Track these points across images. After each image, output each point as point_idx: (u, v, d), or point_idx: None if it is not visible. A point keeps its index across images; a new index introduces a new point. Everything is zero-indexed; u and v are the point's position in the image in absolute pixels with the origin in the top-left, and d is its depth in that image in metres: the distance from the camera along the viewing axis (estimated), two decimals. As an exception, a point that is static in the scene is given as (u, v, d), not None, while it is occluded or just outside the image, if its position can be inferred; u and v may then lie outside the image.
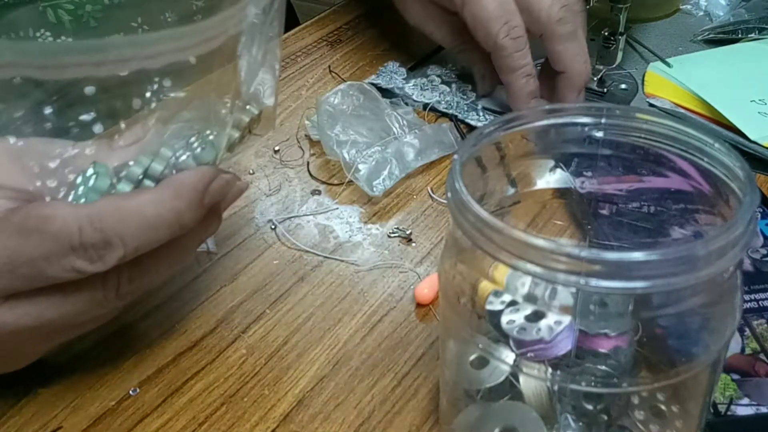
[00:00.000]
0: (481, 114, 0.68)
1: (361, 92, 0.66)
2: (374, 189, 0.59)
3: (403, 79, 0.72)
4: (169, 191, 0.39)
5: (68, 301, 0.39)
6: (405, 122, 0.63)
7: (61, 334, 0.42)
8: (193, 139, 0.42)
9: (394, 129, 0.62)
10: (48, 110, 0.47)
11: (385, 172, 0.60)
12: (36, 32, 0.68)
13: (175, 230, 0.39)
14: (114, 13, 0.72)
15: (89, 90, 0.63)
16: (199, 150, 0.42)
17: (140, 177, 0.41)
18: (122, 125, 0.43)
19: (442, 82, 0.72)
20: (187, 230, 0.40)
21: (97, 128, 0.63)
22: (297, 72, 0.76)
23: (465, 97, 0.70)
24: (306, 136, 0.66)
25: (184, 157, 0.41)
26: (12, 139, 0.41)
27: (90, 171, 0.41)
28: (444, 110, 0.68)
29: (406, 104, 0.69)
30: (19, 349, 0.42)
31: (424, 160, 0.62)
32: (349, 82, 0.66)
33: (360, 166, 0.59)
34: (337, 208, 0.59)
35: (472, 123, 0.67)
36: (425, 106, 0.69)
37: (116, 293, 0.40)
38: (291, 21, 1.04)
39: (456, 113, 0.68)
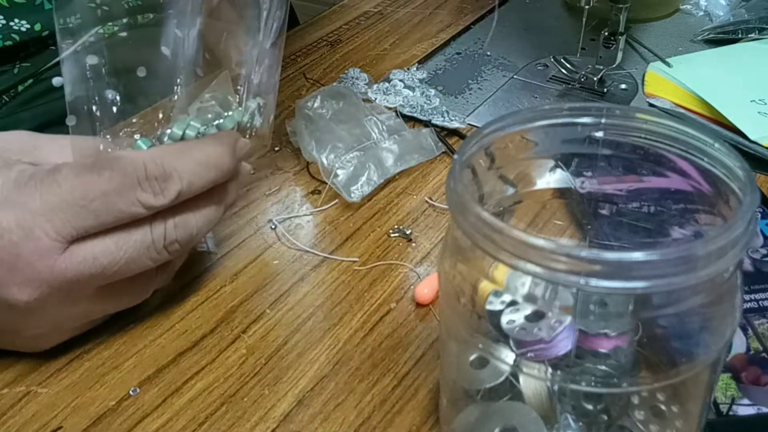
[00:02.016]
0: (446, 116, 0.68)
1: (342, 96, 0.65)
2: (352, 195, 0.59)
3: (365, 84, 0.72)
4: (211, 140, 0.47)
5: (121, 247, 0.43)
6: (385, 127, 0.63)
7: (108, 298, 0.46)
8: (211, 116, 0.50)
9: (374, 134, 0.62)
10: None
11: (363, 178, 0.59)
12: None
13: (219, 173, 0.46)
14: None
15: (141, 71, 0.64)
16: (221, 121, 0.50)
17: (179, 139, 0.48)
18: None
19: (405, 87, 0.72)
20: (226, 176, 0.47)
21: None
22: (297, 71, 0.76)
23: (428, 101, 0.70)
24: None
25: (212, 130, 0.49)
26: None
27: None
28: (409, 114, 0.68)
29: (388, 108, 0.69)
30: (65, 312, 0.44)
31: (404, 166, 0.62)
32: (328, 86, 0.66)
33: (339, 172, 0.59)
34: (337, 208, 0.59)
35: (439, 123, 0.67)
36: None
37: (163, 241, 0.44)
38: (291, 21, 1.03)
39: (421, 116, 0.68)
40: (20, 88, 0.72)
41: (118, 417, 0.44)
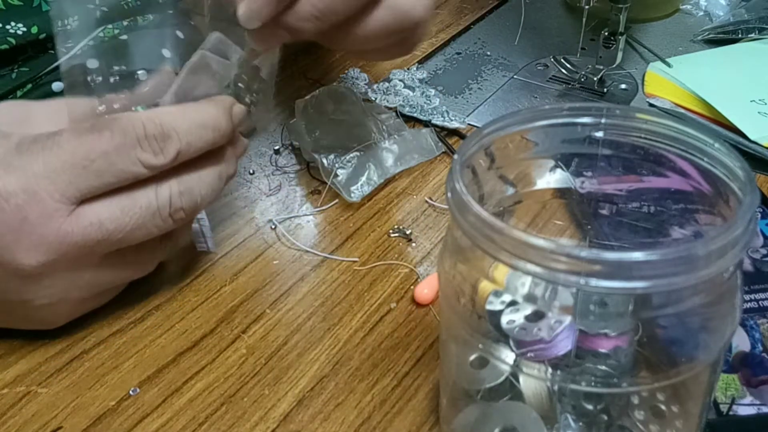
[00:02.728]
0: (446, 116, 0.68)
1: (342, 96, 0.65)
2: (352, 195, 0.59)
3: (365, 84, 0.72)
4: (207, 102, 0.47)
5: (127, 213, 0.43)
6: (385, 127, 0.63)
7: (115, 267, 0.46)
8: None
9: (374, 134, 0.62)
10: None
11: (363, 178, 0.59)
12: None
13: (216, 134, 0.46)
14: None
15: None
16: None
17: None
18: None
19: (405, 87, 0.72)
20: (224, 139, 0.47)
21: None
22: (297, 71, 0.76)
23: (428, 101, 0.70)
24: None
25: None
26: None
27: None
28: (409, 114, 0.68)
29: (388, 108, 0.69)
30: (75, 279, 0.45)
31: (404, 166, 0.62)
32: (328, 86, 0.66)
33: (339, 172, 0.59)
34: (338, 208, 0.59)
35: (439, 123, 0.67)
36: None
37: (169, 208, 0.45)
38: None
39: (421, 116, 0.68)
40: (19, 93, 0.72)
41: (118, 417, 0.44)
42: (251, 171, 0.63)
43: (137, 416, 0.44)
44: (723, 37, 0.79)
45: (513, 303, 0.36)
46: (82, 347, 0.48)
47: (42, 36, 0.70)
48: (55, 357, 0.47)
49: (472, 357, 0.38)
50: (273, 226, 0.57)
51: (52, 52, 0.72)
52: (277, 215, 0.58)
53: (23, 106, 0.47)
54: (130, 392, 0.45)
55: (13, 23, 0.68)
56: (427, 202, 0.59)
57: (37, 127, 0.44)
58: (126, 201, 0.43)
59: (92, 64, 0.48)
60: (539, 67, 0.77)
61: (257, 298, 0.51)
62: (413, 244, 0.55)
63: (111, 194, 0.43)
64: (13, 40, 0.68)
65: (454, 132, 0.67)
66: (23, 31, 0.69)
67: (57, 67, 0.72)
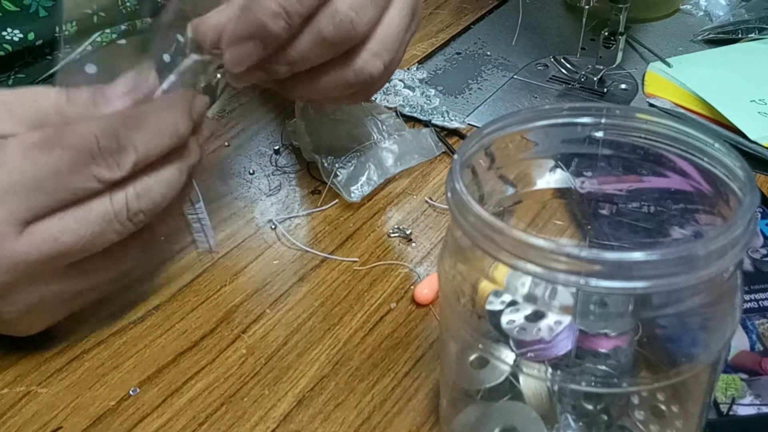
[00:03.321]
0: (446, 116, 0.68)
1: None
2: (352, 195, 0.59)
3: None
4: (166, 103, 0.44)
5: (82, 224, 0.41)
6: (385, 127, 0.63)
7: (82, 275, 0.44)
8: None
9: (374, 134, 0.62)
10: None
11: (363, 178, 0.59)
12: None
13: (174, 138, 0.44)
14: (66, 0, 0.71)
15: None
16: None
17: None
18: None
19: (405, 87, 0.72)
20: (183, 141, 0.45)
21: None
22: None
23: (428, 101, 0.70)
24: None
25: None
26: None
27: None
28: (409, 114, 0.68)
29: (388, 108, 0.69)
30: (40, 293, 0.43)
31: (404, 166, 0.62)
32: None
33: (339, 172, 0.59)
34: (337, 208, 0.59)
35: (439, 123, 0.67)
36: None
37: (126, 212, 0.42)
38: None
39: (421, 116, 0.68)
40: None
41: (118, 417, 0.44)
42: (251, 171, 0.63)
43: (137, 416, 0.44)
44: (723, 37, 0.79)
45: (513, 303, 0.36)
46: (82, 347, 0.48)
47: (39, 42, 0.70)
48: (55, 357, 0.47)
49: (472, 357, 0.38)
50: (273, 226, 0.57)
51: (50, 58, 0.72)
52: (277, 215, 0.58)
53: None
54: (130, 392, 0.45)
55: (9, 29, 0.68)
56: (427, 202, 0.59)
57: None
58: (79, 212, 0.41)
59: (90, 69, 0.48)
60: (539, 67, 0.77)
61: (257, 298, 0.51)
62: (413, 244, 0.55)
63: (63, 207, 0.41)
64: (9, 47, 0.68)
65: (454, 132, 0.67)
66: (20, 38, 0.68)
67: (54, 73, 0.72)
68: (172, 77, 0.47)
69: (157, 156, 0.43)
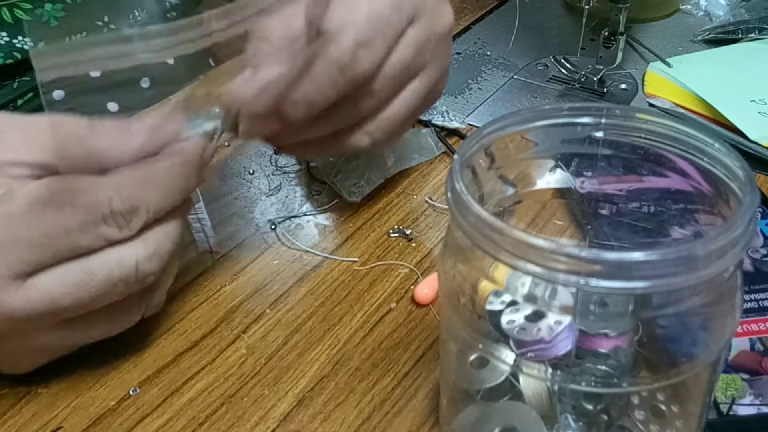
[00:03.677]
0: (446, 116, 0.68)
1: None
2: (352, 195, 0.59)
3: None
4: (177, 158, 0.43)
5: (82, 287, 0.40)
6: None
7: (79, 330, 0.43)
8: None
9: None
10: None
11: (363, 178, 0.59)
12: None
13: (184, 195, 0.43)
14: (77, 11, 0.71)
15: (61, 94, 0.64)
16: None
17: None
18: None
19: None
20: (189, 194, 0.44)
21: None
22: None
23: None
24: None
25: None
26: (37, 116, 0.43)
27: None
28: None
29: None
30: (32, 341, 0.42)
31: (404, 166, 0.62)
32: None
33: (339, 172, 0.59)
34: (337, 208, 0.59)
35: (439, 123, 0.67)
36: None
37: (135, 275, 0.41)
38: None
39: (421, 116, 0.68)
40: (20, 102, 0.72)
41: (118, 417, 0.44)
42: (251, 171, 0.63)
43: (137, 416, 0.44)
44: (723, 37, 0.79)
45: (513, 303, 0.36)
46: (82, 347, 0.48)
47: None
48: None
49: (472, 357, 0.38)
50: (273, 226, 0.57)
51: None
52: (277, 215, 0.58)
53: (1, 120, 0.43)
54: (130, 392, 0.45)
55: (20, 37, 0.69)
56: (427, 202, 0.59)
57: (9, 148, 0.41)
58: (81, 274, 0.39)
59: (113, 107, 0.46)
60: (539, 67, 0.77)
61: (257, 298, 0.51)
62: (413, 244, 0.55)
63: (64, 263, 0.39)
64: (18, 55, 0.69)
65: (454, 132, 0.67)
66: (30, 46, 0.69)
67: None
68: (197, 129, 0.46)
69: (164, 212, 0.42)
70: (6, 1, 0.67)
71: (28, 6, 0.68)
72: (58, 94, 0.75)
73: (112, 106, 0.73)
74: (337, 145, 0.51)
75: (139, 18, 0.75)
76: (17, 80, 0.71)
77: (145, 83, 0.78)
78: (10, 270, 0.38)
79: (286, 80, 0.45)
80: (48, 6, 0.69)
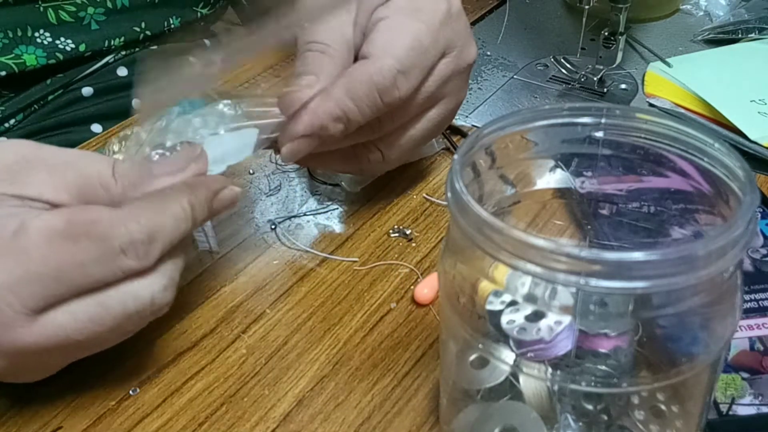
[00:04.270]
0: None
1: None
2: (351, 185, 0.59)
3: None
4: (192, 189, 0.43)
5: (97, 321, 0.39)
6: None
7: (89, 351, 0.43)
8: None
9: None
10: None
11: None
12: (35, 32, 0.68)
13: (198, 224, 0.43)
14: (116, 17, 0.73)
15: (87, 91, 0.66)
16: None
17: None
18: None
19: None
20: (203, 224, 0.45)
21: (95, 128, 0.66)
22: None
23: None
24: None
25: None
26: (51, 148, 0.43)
27: None
28: None
29: None
30: (43, 365, 0.42)
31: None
32: None
33: None
34: (337, 208, 0.59)
35: None
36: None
37: (150, 307, 0.41)
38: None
39: None
40: (50, 98, 0.73)
41: (118, 417, 0.44)
42: (251, 171, 0.63)
43: (137, 416, 0.44)
44: (723, 37, 0.79)
45: (513, 303, 0.36)
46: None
47: (88, 53, 0.72)
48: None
49: (472, 357, 0.38)
50: (273, 226, 0.57)
51: (89, 61, 0.73)
52: (277, 215, 0.58)
53: (31, 153, 0.42)
54: (130, 392, 0.45)
55: (62, 38, 0.70)
56: (425, 198, 0.59)
57: (34, 184, 0.40)
58: (96, 309, 0.39)
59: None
60: (539, 67, 0.77)
61: (257, 298, 0.51)
62: (413, 244, 0.55)
63: (78, 297, 0.39)
64: (60, 56, 0.70)
65: (457, 130, 0.67)
66: (71, 48, 0.70)
67: (89, 74, 0.74)
68: (223, 165, 0.46)
69: (177, 241, 0.42)
70: (51, 3, 0.68)
71: (73, 8, 0.69)
72: (87, 90, 0.76)
73: (137, 103, 0.74)
74: (351, 159, 0.54)
75: (172, 25, 0.77)
76: (51, 78, 0.72)
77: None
78: (23, 306, 0.37)
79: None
80: (91, 9, 0.71)
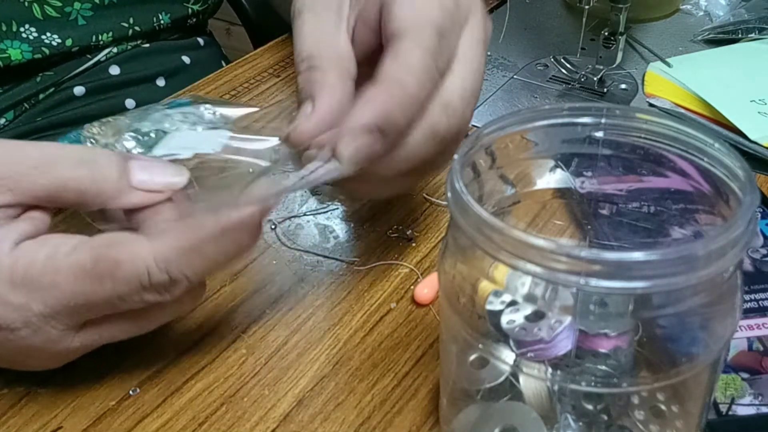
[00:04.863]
0: None
1: None
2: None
3: None
4: (227, 225, 0.40)
5: (134, 326, 0.43)
6: None
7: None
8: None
9: None
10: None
11: None
12: (20, 27, 0.68)
13: (231, 262, 0.42)
14: (104, 12, 0.73)
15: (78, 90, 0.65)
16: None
17: None
18: None
19: None
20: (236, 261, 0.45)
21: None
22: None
23: None
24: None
25: None
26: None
27: None
28: None
29: None
30: (75, 354, 0.44)
31: None
32: None
33: None
34: (337, 208, 0.59)
35: None
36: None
37: (182, 312, 0.44)
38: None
39: None
40: (41, 96, 0.73)
41: (118, 417, 0.44)
42: (251, 170, 0.63)
43: (137, 416, 0.44)
44: (723, 37, 0.79)
45: (513, 303, 0.36)
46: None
47: (75, 48, 0.71)
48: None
49: (472, 357, 0.38)
50: (273, 226, 0.57)
51: (78, 58, 0.73)
52: (277, 215, 0.58)
53: (4, 152, 0.41)
54: (130, 392, 0.45)
55: (48, 34, 0.70)
56: (425, 198, 0.59)
57: (28, 193, 0.40)
58: (132, 318, 0.42)
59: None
60: (539, 67, 0.77)
61: (257, 298, 0.51)
62: (413, 244, 0.55)
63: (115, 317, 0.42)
64: (47, 51, 0.70)
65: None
66: (58, 43, 0.70)
67: (81, 72, 0.74)
68: (191, 151, 0.45)
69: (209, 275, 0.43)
70: None
71: (58, 3, 0.69)
72: (79, 90, 0.77)
73: (130, 103, 0.74)
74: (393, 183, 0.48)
75: (161, 21, 0.77)
76: (41, 75, 0.72)
77: (160, 82, 0.79)
78: (65, 326, 0.40)
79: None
80: (77, 4, 0.70)
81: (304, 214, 0.58)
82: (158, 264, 0.39)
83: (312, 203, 0.59)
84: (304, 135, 0.42)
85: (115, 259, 0.39)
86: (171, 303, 0.42)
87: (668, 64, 0.75)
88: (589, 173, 0.40)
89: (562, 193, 0.41)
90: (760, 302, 0.47)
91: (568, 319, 0.34)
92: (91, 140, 0.46)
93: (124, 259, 0.39)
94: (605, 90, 0.73)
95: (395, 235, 0.56)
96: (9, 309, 0.39)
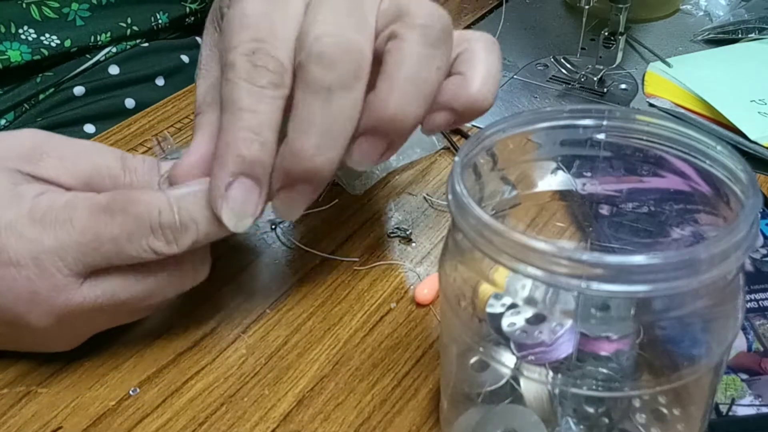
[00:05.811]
0: None
1: None
2: (354, 188, 0.59)
3: None
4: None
5: (141, 283, 0.42)
6: None
7: (127, 317, 0.46)
8: None
9: None
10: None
11: (365, 172, 0.59)
12: (19, 29, 0.68)
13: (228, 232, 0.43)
14: (101, 12, 0.73)
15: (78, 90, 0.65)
16: None
17: None
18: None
19: None
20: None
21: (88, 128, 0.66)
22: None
23: None
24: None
25: None
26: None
27: None
28: None
29: None
30: (85, 327, 0.45)
31: (405, 160, 0.62)
32: None
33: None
34: (337, 208, 0.59)
35: None
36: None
37: (193, 282, 0.45)
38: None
39: None
40: (41, 96, 0.73)
41: (118, 417, 0.44)
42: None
43: (137, 416, 0.44)
44: (723, 37, 0.79)
45: (513, 306, 0.36)
46: (82, 347, 0.47)
47: (74, 49, 0.72)
48: (55, 357, 0.47)
49: (473, 360, 0.38)
50: (273, 226, 0.57)
51: (78, 58, 0.73)
52: (277, 215, 0.58)
53: (44, 142, 0.44)
54: (130, 392, 0.45)
55: (47, 35, 0.70)
56: (425, 198, 0.59)
57: (44, 173, 0.43)
58: (141, 273, 0.42)
59: (79, 91, 0.48)
60: (539, 67, 0.77)
61: (257, 298, 0.51)
62: (413, 244, 0.55)
63: (122, 267, 0.42)
64: (45, 51, 0.70)
65: (457, 130, 0.67)
66: (57, 44, 0.70)
67: (80, 72, 0.74)
68: None
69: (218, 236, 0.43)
70: None
71: (56, 4, 0.69)
72: (78, 90, 0.77)
73: (130, 102, 0.74)
74: None
75: (160, 21, 0.77)
76: (41, 76, 0.72)
77: (160, 81, 0.79)
78: (69, 270, 0.40)
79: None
80: (75, 5, 0.71)
81: (304, 214, 0.58)
82: (171, 205, 0.40)
83: (312, 203, 0.59)
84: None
85: (130, 198, 0.41)
86: (174, 269, 0.43)
87: (668, 64, 0.75)
88: (590, 175, 0.40)
89: (563, 194, 0.41)
90: (760, 302, 0.47)
91: (569, 323, 0.34)
92: None
93: (139, 199, 0.40)
94: (605, 90, 0.73)
95: (395, 235, 0.56)
96: (22, 242, 0.40)
